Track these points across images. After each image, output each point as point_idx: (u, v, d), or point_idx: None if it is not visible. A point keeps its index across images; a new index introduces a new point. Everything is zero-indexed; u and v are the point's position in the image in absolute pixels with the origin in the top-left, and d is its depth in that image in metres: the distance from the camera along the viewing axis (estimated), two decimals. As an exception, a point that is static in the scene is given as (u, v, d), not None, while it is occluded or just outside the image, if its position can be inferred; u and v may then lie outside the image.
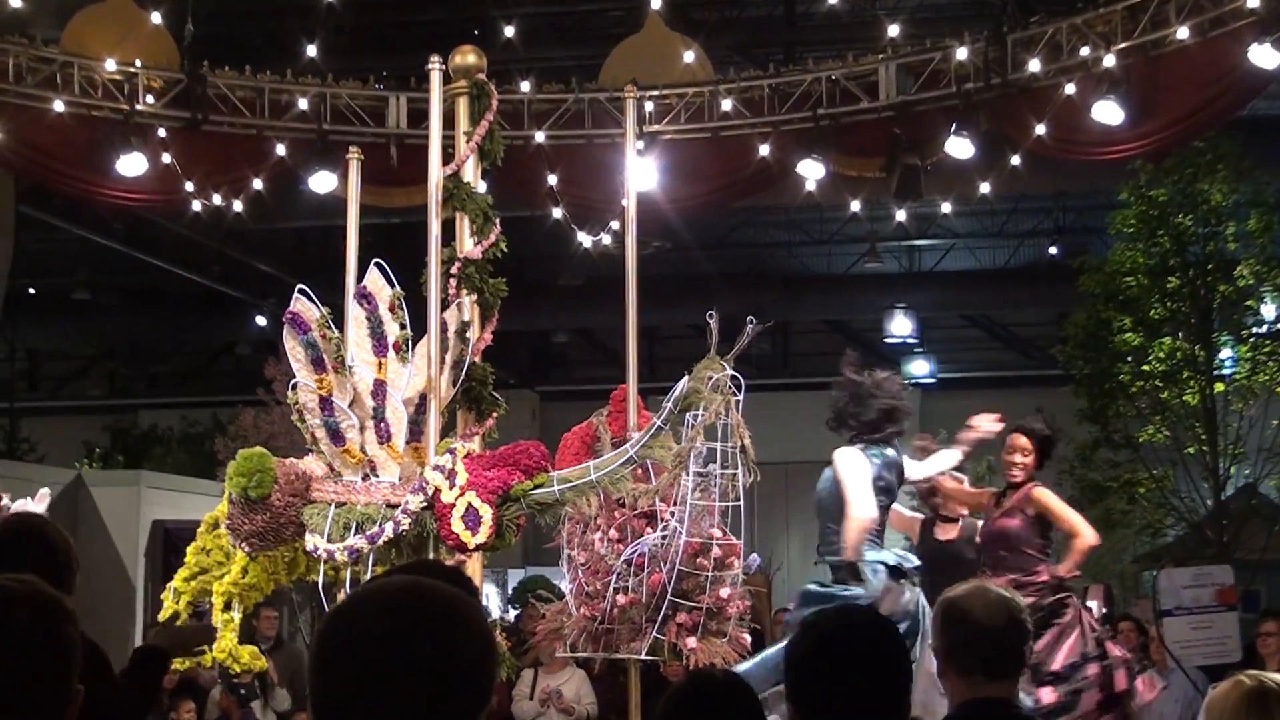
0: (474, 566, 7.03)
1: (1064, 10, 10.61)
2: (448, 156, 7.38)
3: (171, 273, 18.70)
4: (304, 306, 7.11)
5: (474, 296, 7.22)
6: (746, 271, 21.89)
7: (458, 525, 6.62)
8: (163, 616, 7.63)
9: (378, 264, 7.12)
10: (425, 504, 6.75)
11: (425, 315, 7.16)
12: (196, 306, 21.10)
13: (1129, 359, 15.16)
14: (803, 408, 22.99)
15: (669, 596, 6.67)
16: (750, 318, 6.69)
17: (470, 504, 6.64)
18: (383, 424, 7.07)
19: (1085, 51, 10.30)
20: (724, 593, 6.71)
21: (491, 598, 17.81)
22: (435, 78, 7.40)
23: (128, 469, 18.79)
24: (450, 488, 6.70)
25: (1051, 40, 10.53)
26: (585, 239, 13.16)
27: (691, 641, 6.65)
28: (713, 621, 6.74)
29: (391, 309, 7.06)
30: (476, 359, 7.24)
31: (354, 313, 7.12)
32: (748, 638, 6.92)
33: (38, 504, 8.59)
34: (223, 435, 16.75)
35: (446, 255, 7.23)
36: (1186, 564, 13.17)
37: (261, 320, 20.04)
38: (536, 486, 6.71)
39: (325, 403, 7.09)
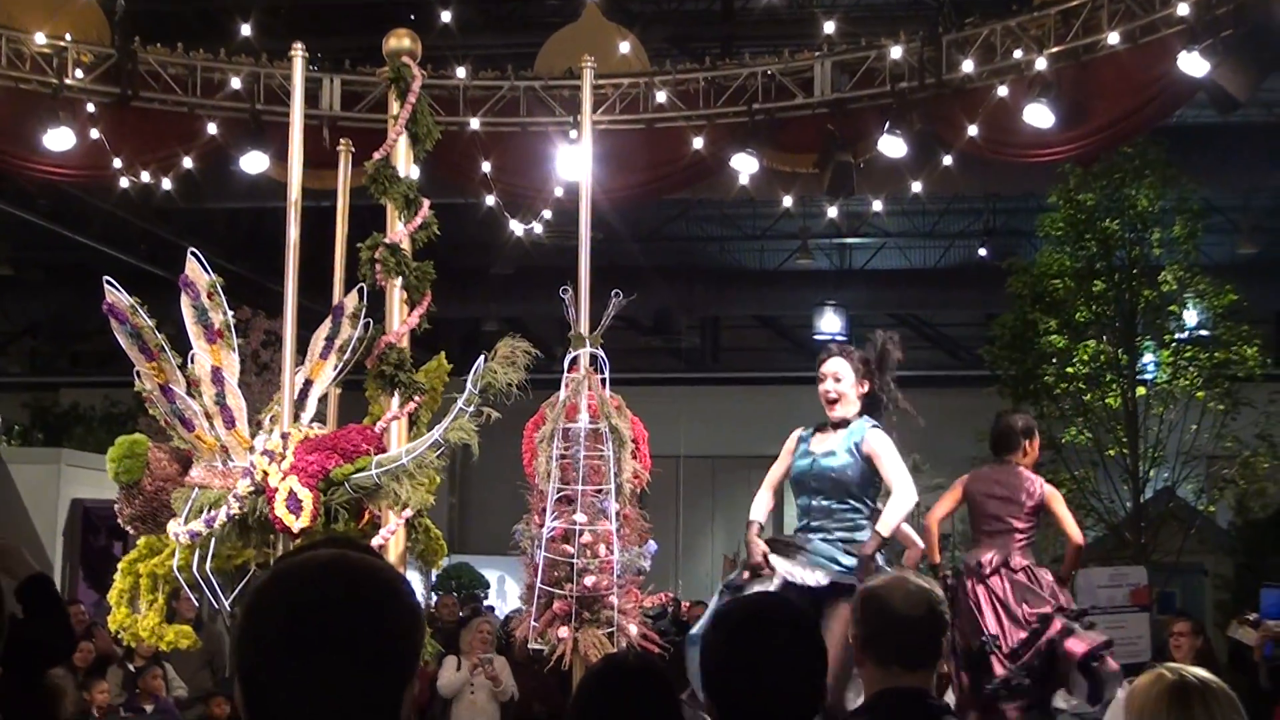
0: (397, 551, 6.99)
1: (998, 13, 10.69)
2: (381, 140, 7.34)
3: (97, 250, 18.44)
4: (115, 296, 7.09)
5: (398, 281, 7.18)
6: (678, 264, 21.91)
7: (281, 509, 6.60)
8: (112, 596, 7.59)
9: (193, 252, 7.14)
10: (253, 488, 6.74)
11: (373, 299, 7.21)
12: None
13: (1054, 360, 15.30)
14: (731, 402, 23.14)
15: (538, 584, 6.66)
16: (616, 291, 6.69)
17: (291, 489, 6.61)
18: (226, 410, 7.08)
19: (1018, 54, 10.38)
20: (589, 581, 6.66)
21: (415, 584, 17.73)
22: (298, 64, 7.46)
23: (48, 447, 18.55)
24: (277, 472, 6.69)
25: (985, 42, 10.61)
26: (517, 227, 13.12)
27: (563, 631, 6.62)
28: (587, 611, 6.69)
29: (209, 296, 7.07)
30: (401, 343, 7.20)
31: (183, 300, 7.15)
32: (632, 630, 6.86)
33: None
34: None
35: (371, 241, 7.20)
36: (1105, 564, 13.36)
37: (189, 301, 19.83)
38: (357, 470, 6.68)
39: (165, 390, 7.09)
